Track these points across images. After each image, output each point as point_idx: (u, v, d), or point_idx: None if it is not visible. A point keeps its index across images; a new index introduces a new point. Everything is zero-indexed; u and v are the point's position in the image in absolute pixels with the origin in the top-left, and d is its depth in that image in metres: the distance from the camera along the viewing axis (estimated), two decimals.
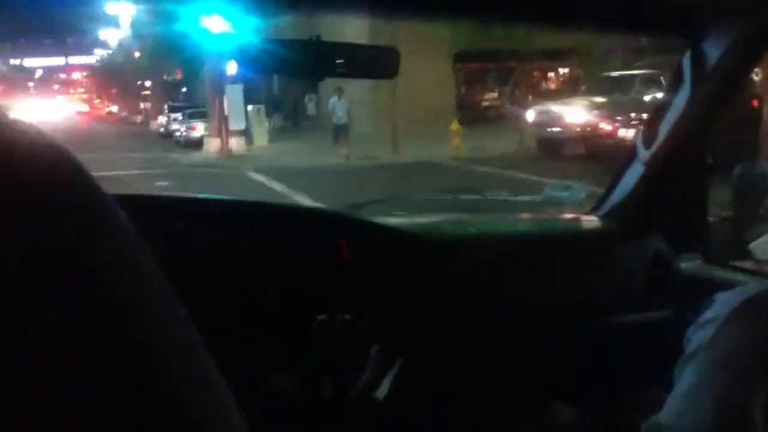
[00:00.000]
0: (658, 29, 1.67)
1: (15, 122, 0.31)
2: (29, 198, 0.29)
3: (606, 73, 14.15)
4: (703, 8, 1.32)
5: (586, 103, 12.26)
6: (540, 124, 12.39)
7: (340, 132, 14.46)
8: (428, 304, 1.37)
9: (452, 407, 1.38)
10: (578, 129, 11.76)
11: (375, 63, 1.24)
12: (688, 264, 1.58)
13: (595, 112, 11.79)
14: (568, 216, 1.79)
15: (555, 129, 12.06)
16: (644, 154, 1.55)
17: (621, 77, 13.34)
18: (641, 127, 1.62)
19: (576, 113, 11.90)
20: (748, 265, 1.47)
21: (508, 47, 15.39)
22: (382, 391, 1.23)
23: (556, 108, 12.38)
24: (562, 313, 1.49)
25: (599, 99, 12.28)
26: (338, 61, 1.20)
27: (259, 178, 11.42)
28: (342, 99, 14.42)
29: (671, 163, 1.53)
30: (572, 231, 1.70)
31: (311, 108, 25.69)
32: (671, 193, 1.58)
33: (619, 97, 12.09)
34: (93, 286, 0.30)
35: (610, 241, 1.62)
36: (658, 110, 1.55)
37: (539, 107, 12.86)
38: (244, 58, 1.17)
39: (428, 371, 1.34)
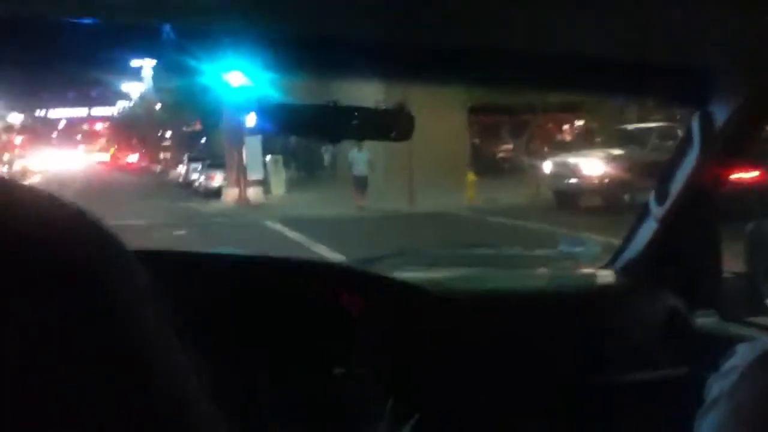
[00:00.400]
0: (665, 94, 1.71)
1: (27, 188, 0.34)
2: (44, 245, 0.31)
3: (621, 126, 14.25)
4: (710, 73, 1.36)
5: (603, 155, 12.34)
6: (556, 176, 12.46)
7: (360, 184, 14.50)
8: (443, 360, 1.38)
9: None
10: (595, 181, 11.81)
11: (390, 126, 1.28)
12: (704, 320, 1.58)
13: (612, 164, 11.85)
14: (583, 271, 1.80)
15: (572, 181, 12.12)
16: (657, 210, 1.57)
17: (636, 130, 13.44)
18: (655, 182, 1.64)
19: (593, 165, 11.98)
20: (764, 321, 1.47)
21: (522, 101, 15.59)
22: None
23: (572, 160, 12.46)
24: (577, 368, 1.49)
25: (616, 151, 12.37)
26: (354, 124, 1.25)
27: (277, 227, 11.52)
28: (362, 151, 14.47)
29: (684, 220, 1.55)
30: (587, 286, 1.71)
31: (327, 158, 26.01)
32: (685, 250, 1.59)
33: (635, 149, 12.16)
34: (94, 291, 0.31)
35: (624, 296, 1.63)
36: (670, 167, 1.58)
37: (556, 159, 12.96)
38: (265, 119, 1.22)
39: (443, 427, 1.34)
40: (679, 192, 1.52)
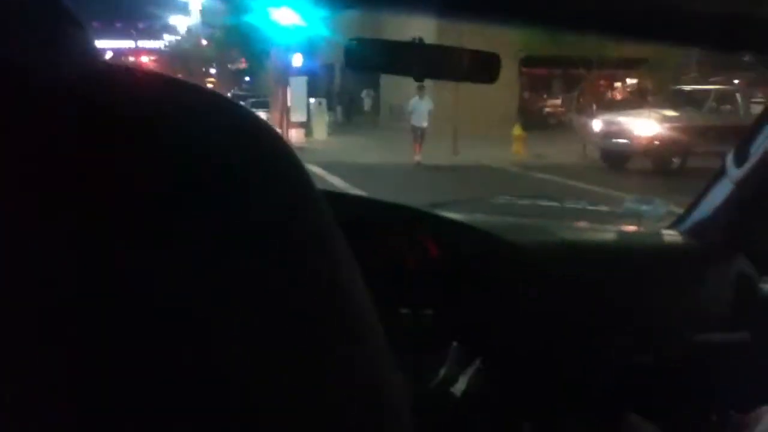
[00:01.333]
0: (756, 48, 1.64)
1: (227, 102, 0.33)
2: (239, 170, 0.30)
3: (677, 86, 13.77)
4: None
5: (657, 115, 11.95)
6: (606, 135, 12.13)
7: (420, 135, 12.86)
8: (510, 306, 1.38)
9: (527, 410, 1.39)
10: (646, 142, 11.49)
11: (475, 67, 1.26)
12: None
13: (666, 125, 11.49)
14: (649, 230, 1.77)
15: (621, 141, 11.80)
16: (735, 172, 1.53)
17: (693, 91, 12.96)
18: (718, 144, 1.59)
19: (645, 126, 11.62)
20: None
21: (577, 54, 15.13)
22: (459, 387, 1.26)
23: (624, 119, 12.10)
24: (640, 326, 1.48)
25: (670, 112, 11.97)
26: (440, 63, 1.23)
27: (319, 171, 11.58)
28: (425, 98, 12.78)
29: (763, 185, 1.51)
30: (654, 246, 1.68)
31: (368, 103, 25.86)
32: (760, 215, 1.55)
33: (691, 111, 11.76)
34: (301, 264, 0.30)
35: (692, 258, 1.61)
36: (753, 129, 1.53)
37: (606, 117, 12.60)
38: (350, 55, 1.21)
39: (505, 372, 1.36)
40: (761, 155, 1.47)
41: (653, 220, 1.81)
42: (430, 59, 1.22)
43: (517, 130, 13.71)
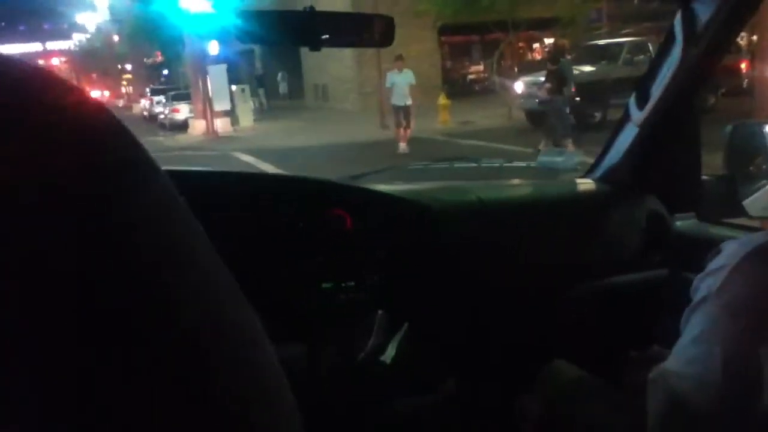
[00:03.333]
0: None
1: (57, 80, 0.31)
2: (72, 150, 0.28)
3: (592, 42, 14.12)
4: None
5: (575, 72, 12.21)
6: (528, 96, 12.33)
7: (403, 115, 11.15)
8: (430, 268, 1.38)
9: (457, 369, 1.40)
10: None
11: (369, 31, 1.23)
12: (683, 223, 1.60)
13: (584, 81, 11.75)
14: (564, 180, 1.80)
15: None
16: (638, 115, 1.56)
17: (608, 45, 13.32)
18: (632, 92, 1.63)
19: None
20: (741, 221, 1.50)
21: (493, 18, 15.30)
22: (388, 355, 1.25)
23: (543, 79, 12.32)
24: (561, 274, 1.51)
25: (587, 68, 12.26)
26: (333, 30, 1.20)
27: (249, 159, 11.38)
28: (404, 72, 11.11)
29: (664, 124, 1.55)
30: (568, 194, 1.71)
31: (283, 86, 25.62)
32: (665, 154, 1.59)
33: (607, 65, 12.07)
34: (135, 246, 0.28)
35: (605, 203, 1.64)
36: (650, 72, 1.56)
37: (527, 78, 12.80)
38: (241, 29, 1.16)
39: (433, 334, 1.36)
40: (660, 95, 1.51)
41: (567, 171, 1.84)
42: (323, 27, 1.19)
43: (442, 100, 13.81)
